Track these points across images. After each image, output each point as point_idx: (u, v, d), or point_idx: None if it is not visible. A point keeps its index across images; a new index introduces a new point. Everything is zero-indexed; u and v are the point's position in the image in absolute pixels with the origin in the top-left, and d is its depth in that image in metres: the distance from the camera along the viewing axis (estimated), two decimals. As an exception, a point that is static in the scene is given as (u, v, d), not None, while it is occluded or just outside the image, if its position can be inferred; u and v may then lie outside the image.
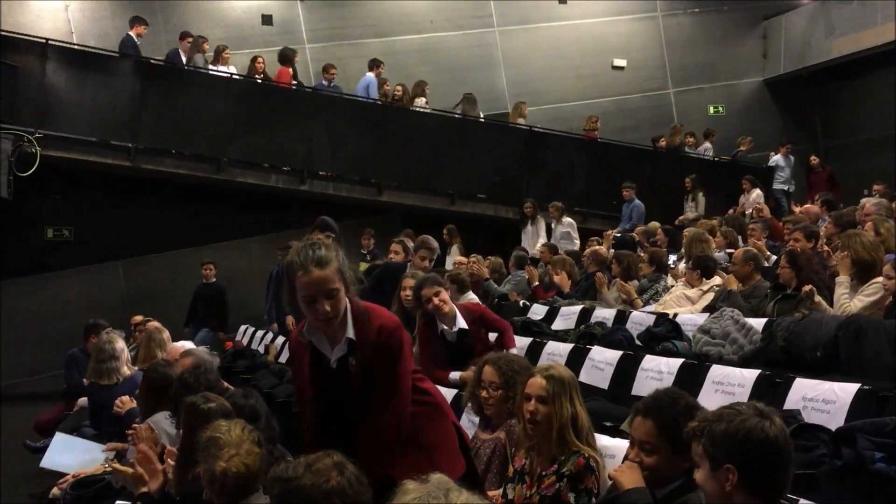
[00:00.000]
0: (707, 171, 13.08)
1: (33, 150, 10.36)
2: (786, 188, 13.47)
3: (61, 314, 11.17)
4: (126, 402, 5.21)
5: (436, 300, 5.07)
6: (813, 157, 13.31)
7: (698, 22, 15.37)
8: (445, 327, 5.14)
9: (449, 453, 3.13)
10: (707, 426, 2.31)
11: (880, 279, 5.14)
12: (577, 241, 11.33)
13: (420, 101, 12.77)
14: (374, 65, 12.90)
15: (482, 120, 13.06)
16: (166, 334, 6.37)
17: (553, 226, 11.71)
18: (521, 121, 13.34)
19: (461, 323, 5.13)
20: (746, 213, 11.24)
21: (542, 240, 11.33)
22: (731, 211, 11.33)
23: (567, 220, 11.64)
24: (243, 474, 2.78)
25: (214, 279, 11.17)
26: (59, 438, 5.34)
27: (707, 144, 13.99)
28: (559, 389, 3.20)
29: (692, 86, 15.24)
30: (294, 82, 12.60)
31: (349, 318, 2.87)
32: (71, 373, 7.44)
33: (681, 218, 11.66)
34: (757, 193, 11.97)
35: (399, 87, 12.79)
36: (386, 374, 2.88)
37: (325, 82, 12.61)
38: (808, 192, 12.54)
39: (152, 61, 11.71)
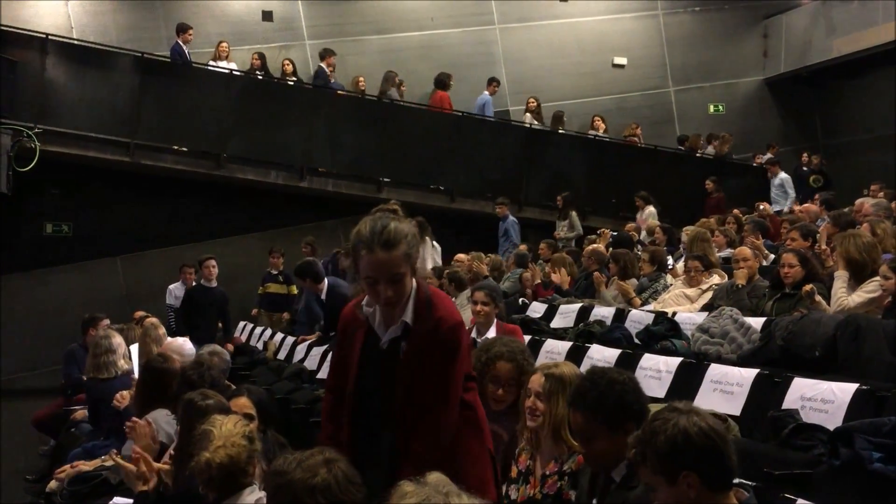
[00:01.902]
0: (712, 173, 12.98)
1: (33, 146, 10.34)
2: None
3: (60, 309, 11.15)
4: (125, 397, 5.21)
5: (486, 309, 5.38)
6: (708, 182, 12.38)
7: (699, 20, 15.35)
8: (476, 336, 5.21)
9: (481, 481, 2.73)
10: (645, 446, 2.30)
11: (878, 278, 5.14)
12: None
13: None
14: (491, 82, 13.30)
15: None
16: (162, 330, 6.38)
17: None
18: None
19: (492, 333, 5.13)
20: (641, 230, 10.72)
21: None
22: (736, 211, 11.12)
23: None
24: (226, 465, 2.81)
25: (215, 282, 9.53)
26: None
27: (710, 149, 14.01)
28: (556, 388, 3.20)
29: (692, 84, 15.22)
30: (293, 79, 12.60)
31: (411, 301, 2.63)
32: (69, 368, 7.44)
33: (556, 235, 11.40)
34: (649, 211, 11.44)
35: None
36: (437, 372, 2.61)
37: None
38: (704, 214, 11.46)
39: (151, 56, 11.67)
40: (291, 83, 12.50)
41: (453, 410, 2.67)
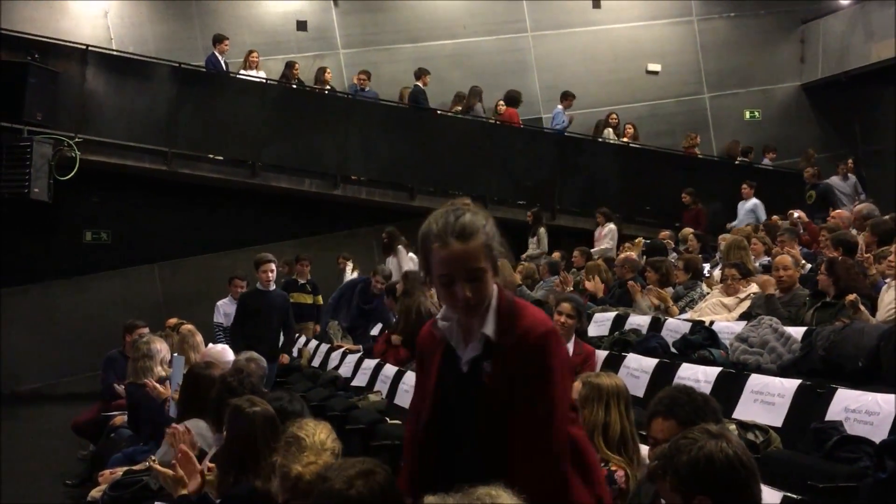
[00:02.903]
0: (747, 180, 12.81)
1: (73, 155, 10.53)
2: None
3: (99, 316, 11.33)
4: (157, 387, 5.25)
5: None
6: (685, 195, 11.97)
7: (734, 26, 15.21)
8: None
9: (602, 484, 2.41)
10: (667, 462, 2.26)
11: None
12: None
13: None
14: (566, 97, 13.31)
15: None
16: (199, 337, 6.42)
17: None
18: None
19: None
20: (596, 248, 10.48)
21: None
22: (774, 219, 10.96)
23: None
24: (314, 483, 2.71)
25: (273, 285, 7.86)
26: None
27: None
28: (593, 395, 3.18)
29: (728, 90, 15.07)
30: (328, 87, 12.69)
31: (491, 310, 2.20)
32: (108, 374, 7.50)
33: (524, 256, 11.15)
34: (609, 228, 11.14)
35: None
36: (532, 394, 2.14)
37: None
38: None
39: (188, 66, 11.84)
40: (325, 91, 12.59)
41: (562, 439, 2.18)
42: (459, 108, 12.96)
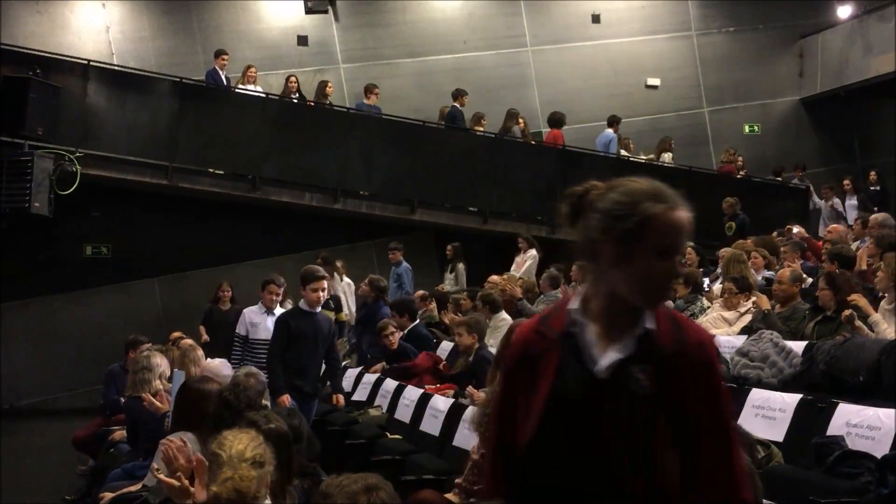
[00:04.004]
0: (747, 194, 12.85)
1: (74, 169, 10.54)
2: None
3: (99, 330, 11.31)
4: (154, 402, 5.23)
5: None
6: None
7: (733, 41, 15.27)
8: None
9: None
10: None
11: None
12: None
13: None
14: (614, 121, 13.33)
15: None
16: (200, 351, 6.40)
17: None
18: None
19: None
20: (514, 271, 10.27)
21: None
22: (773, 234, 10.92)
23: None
24: (234, 500, 2.72)
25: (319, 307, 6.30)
26: None
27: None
28: None
29: (727, 105, 15.12)
30: (327, 102, 12.73)
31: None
32: (109, 388, 7.50)
33: (438, 287, 10.92)
34: (530, 254, 10.86)
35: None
36: (713, 415, 1.79)
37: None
38: None
39: (189, 81, 11.87)
40: (326, 106, 12.63)
41: (743, 478, 1.83)
42: (480, 128, 13.01)
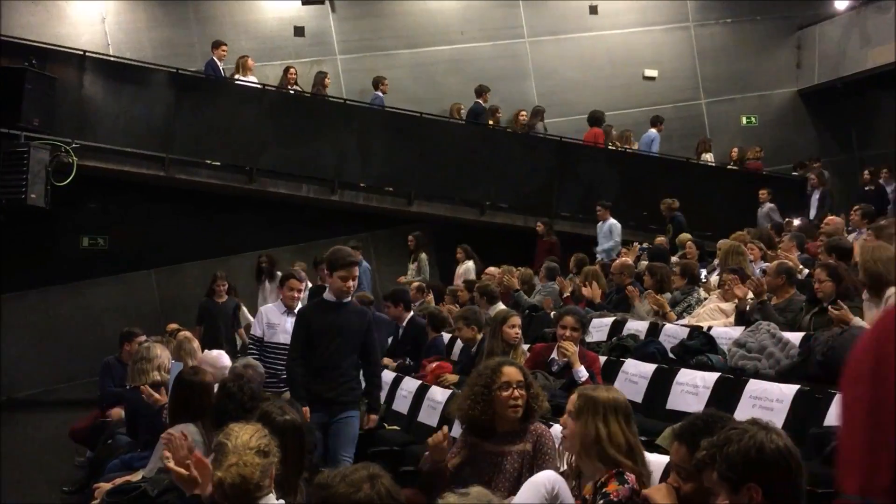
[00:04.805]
0: (733, 184, 12.88)
1: (70, 160, 10.52)
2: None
3: (96, 322, 11.32)
4: (153, 393, 5.24)
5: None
6: (539, 224, 11.70)
7: (731, 32, 15.25)
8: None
9: None
10: (717, 452, 2.32)
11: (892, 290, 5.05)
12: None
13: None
14: (657, 122, 13.64)
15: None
16: (196, 343, 6.41)
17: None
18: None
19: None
20: (457, 282, 10.17)
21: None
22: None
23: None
24: (238, 485, 2.79)
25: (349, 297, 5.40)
26: None
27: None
28: (588, 406, 3.15)
29: (724, 96, 15.11)
30: (325, 93, 12.70)
31: None
32: (104, 380, 7.51)
33: (399, 279, 10.92)
34: (467, 266, 10.79)
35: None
36: None
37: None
38: (534, 260, 10.93)
39: (186, 72, 11.84)
40: (323, 97, 12.60)
41: None
42: (491, 122, 13.10)
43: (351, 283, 5.16)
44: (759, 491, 2.22)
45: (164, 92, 11.48)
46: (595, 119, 13.41)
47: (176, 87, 11.49)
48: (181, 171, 11.36)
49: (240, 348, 9.22)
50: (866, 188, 12.63)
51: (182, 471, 3.17)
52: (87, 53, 11.19)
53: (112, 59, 11.91)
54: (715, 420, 2.76)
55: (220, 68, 12.04)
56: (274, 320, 6.15)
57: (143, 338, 7.18)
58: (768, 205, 12.23)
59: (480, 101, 13.10)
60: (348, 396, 5.12)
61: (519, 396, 3.61)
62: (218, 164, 11.64)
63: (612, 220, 11.62)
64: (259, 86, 12.19)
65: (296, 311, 5.83)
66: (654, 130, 13.61)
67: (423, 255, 11.25)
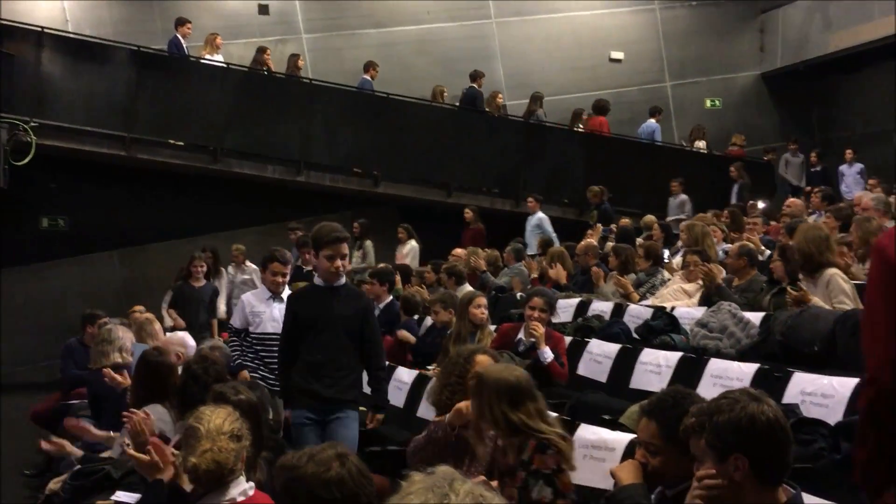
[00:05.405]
0: (701, 167, 13.02)
1: (28, 139, 10.31)
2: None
3: (57, 304, 11.15)
4: (115, 376, 5.19)
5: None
6: (467, 211, 11.54)
7: (695, 15, 15.36)
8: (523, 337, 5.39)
9: None
10: (706, 420, 2.32)
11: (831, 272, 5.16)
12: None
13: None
14: (656, 112, 13.61)
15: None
16: (158, 325, 6.36)
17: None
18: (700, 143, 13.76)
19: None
20: (399, 261, 10.11)
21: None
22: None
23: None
24: (213, 471, 2.80)
25: (343, 278, 4.80)
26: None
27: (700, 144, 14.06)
28: (478, 388, 3.28)
29: (689, 79, 15.23)
30: (291, 73, 12.56)
31: None
32: (66, 362, 7.41)
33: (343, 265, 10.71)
34: (411, 246, 10.80)
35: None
36: None
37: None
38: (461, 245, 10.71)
39: (147, 50, 11.63)
40: (288, 77, 12.45)
41: None
42: (495, 107, 13.19)
43: (339, 262, 4.50)
44: (746, 461, 2.24)
45: (126, 70, 11.27)
46: (599, 108, 13.43)
47: (138, 64, 11.29)
48: (143, 150, 11.18)
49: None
50: (812, 169, 12.98)
51: (142, 456, 3.15)
52: (44, 30, 10.95)
53: (71, 35, 11.67)
54: (683, 396, 2.79)
55: (185, 46, 11.84)
56: (258, 308, 5.36)
57: (106, 320, 7.08)
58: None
59: (475, 86, 13.03)
60: (348, 395, 4.50)
61: None
62: (181, 143, 11.48)
63: (541, 214, 11.53)
64: (224, 65, 12.01)
65: (283, 297, 5.18)
66: (653, 121, 13.63)
67: (368, 242, 11.11)
